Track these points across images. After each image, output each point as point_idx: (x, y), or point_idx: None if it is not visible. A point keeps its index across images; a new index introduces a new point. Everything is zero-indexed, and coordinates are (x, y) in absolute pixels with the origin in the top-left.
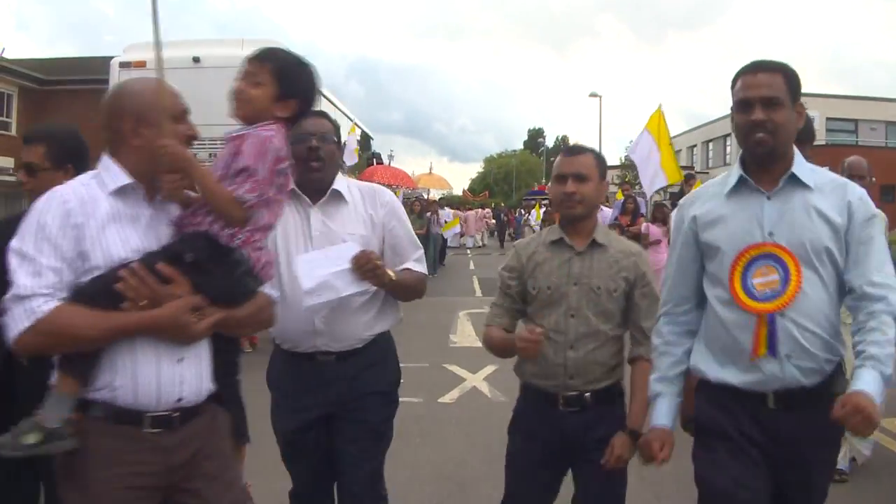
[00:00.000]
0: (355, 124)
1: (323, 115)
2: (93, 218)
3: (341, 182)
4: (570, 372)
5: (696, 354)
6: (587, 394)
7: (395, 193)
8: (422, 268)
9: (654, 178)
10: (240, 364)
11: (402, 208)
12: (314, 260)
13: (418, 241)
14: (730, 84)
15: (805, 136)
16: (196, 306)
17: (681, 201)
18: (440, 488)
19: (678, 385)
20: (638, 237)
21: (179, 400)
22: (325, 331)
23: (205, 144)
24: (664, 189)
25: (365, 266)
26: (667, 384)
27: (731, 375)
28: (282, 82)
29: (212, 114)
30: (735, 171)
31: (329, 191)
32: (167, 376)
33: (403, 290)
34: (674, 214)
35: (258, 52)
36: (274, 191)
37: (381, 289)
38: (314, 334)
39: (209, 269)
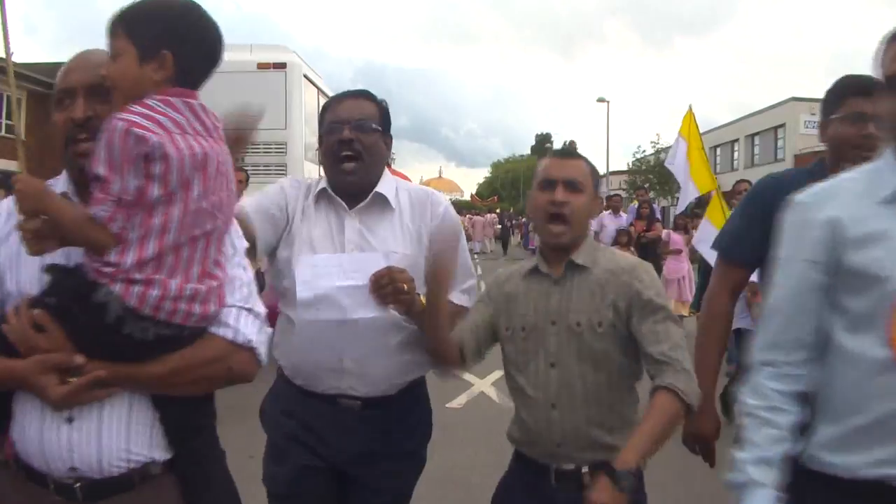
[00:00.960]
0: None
1: (363, 95)
2: (14, 234)
3: (388, 183)
4: (555, 438)
5: (821, 435)
6: (584, 468)
7: None
8: (468, 301)
9: (685, 189)
10: (207, 427)
11: (458, 220)
12: (322, 266)
13: (473, 268)
14: (737, 89)
15: None
16: (61, 364)
17: (798, 198)
18: (448, 494)
19: (781, 473)
20: (654, 243)
21: (73, 469)
22: (354, 370)
23: None
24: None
25: (385, 286)
26: (765, 470)
27: (888, 467)
28: (136, 35)
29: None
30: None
31: (371, 194)
32: (51, 439)
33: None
34: (788, 217)
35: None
36: (157, 193)
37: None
38: (340, 373)
39: (74, 314)
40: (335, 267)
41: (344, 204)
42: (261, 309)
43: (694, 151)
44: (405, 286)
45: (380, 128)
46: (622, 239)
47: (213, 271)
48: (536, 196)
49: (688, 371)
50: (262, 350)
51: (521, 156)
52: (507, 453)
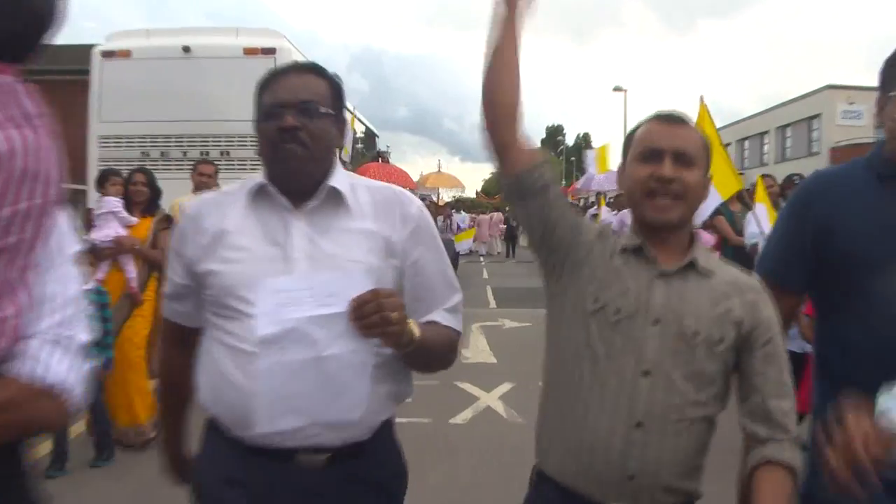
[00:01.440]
0: (356, 117)
1: (310, 69)
2: None
3: (341, 177)
4: (629, 468)
5: None
6: None
7: None
8: (456, 321)
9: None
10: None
11: (434, 227)
12: (288, 291)
13: (456, 282)
14: (767, 77)
15: None
16: None
17: None
18: None
19: None
20: None
21: None
22: (315, 410)
23: (195, 142)
24: None
25: (370, 316)
26: None
27: None
28: None
29: (203, 108)
30: None
31: (322, 189)
32: None
33: (425, 357)
34: None
35: None
36: None
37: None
38: (295, 416)
39: None
40: (305, 291)
41: (287, 202)
42: (82, 336)
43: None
44: (394, 314)
45: (332, 111)
46: None
47: (8, 296)
48: (636, 169)
49: (798, 444)
50: (77, 392)
51: None
52: (515, 473)
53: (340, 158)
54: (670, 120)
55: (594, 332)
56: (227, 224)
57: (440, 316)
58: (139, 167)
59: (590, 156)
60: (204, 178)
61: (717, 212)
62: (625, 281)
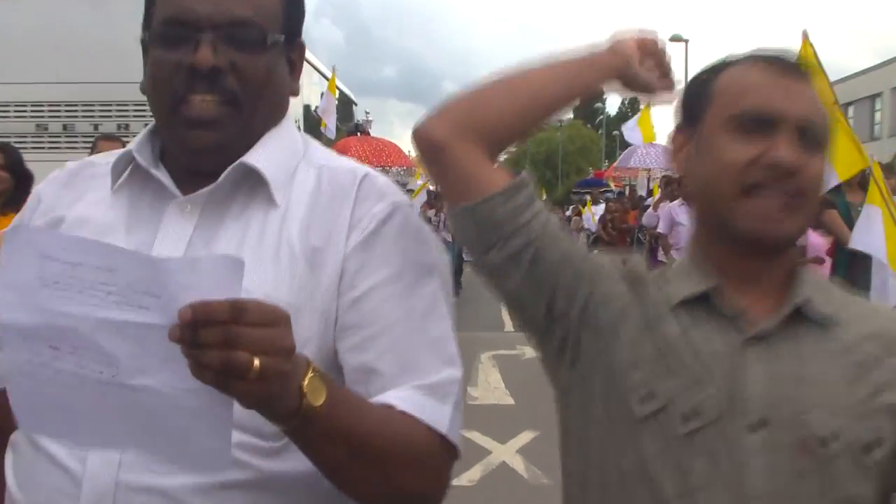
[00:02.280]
0: (333, 82)
1: None
2: None
3: (275, 150)
4: None
5: None
6: None
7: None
8: (437, 412)
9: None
10: None
11: (426, 237)
12: (65, 260)
13: (451, 346)
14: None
15: None
16: None
17: None
18: None
19: None
20: None
21: None
22: None
23: (110, 111)
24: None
25: (208, 346)
26: None
27: None
28: None
29: (121, 65)
30: None
31: (234, 169)
32: None
33: (348, 457)
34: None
35: None
36: None
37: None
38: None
39: None
40: (101, 272)
41: (173, 186)
42: None
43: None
44: (254, 361)
45: (281, 35)
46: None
47: None
48: (727, 145)
49: None
50: None
51: (560, 122)
52: None
53: (321, 135)
54: (788, 69)
55: (652, 450)
56: (72, 213)
57: (404, 397)
58: None
59: (630, 124)
60: None
61: (828, 203)
62: (696, 358)
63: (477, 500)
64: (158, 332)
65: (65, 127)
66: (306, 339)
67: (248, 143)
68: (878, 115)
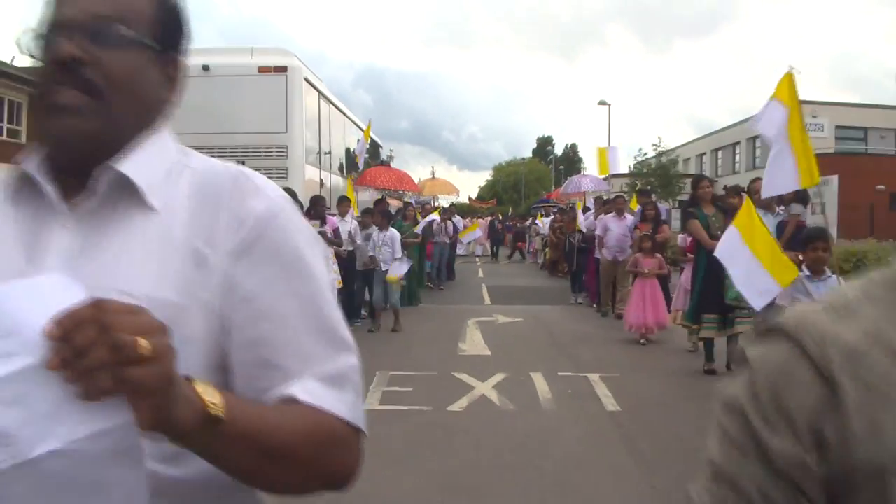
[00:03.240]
0: (368, 131)
1: None
2: None
3: (152, 155)
4: None
5: None
6: None
7: (388, 200)
8: (342, 400)
9: (779, 174)
10: None
11: (307, 233)
12: None
13: (345, 333)
14: (737, 92)
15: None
16: None
17: None
18: (449, 497)
19: None
20: (663, 246)
21: None
22: None
23: (213, 152)
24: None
25: (87, 349)
26: None
27: None
28: None
29: (221, 122)
30: None
31: (104, 175)
32: None
33: (259, 459)
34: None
35: None
36: None
37: (178, 441)
38: None
39: None
40: None
41: (55, 195)
42: None
43: (795, 128)
44: (137, 347)
45: (150, 41)
46: (645, 244)
47: None
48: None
49: None
50: None
51: (523, 159)
52: (508, 455)
53: (357, 167)
54: None
55: None
56: None
57: (306, 388)
58: None
59: (607, 153)
60: None
61: (692, 214)
62: None
63: (464, 420)
64: (36, 375)
65: None
66: (194, 338)
67: (116, 141)
68: (737, 157)
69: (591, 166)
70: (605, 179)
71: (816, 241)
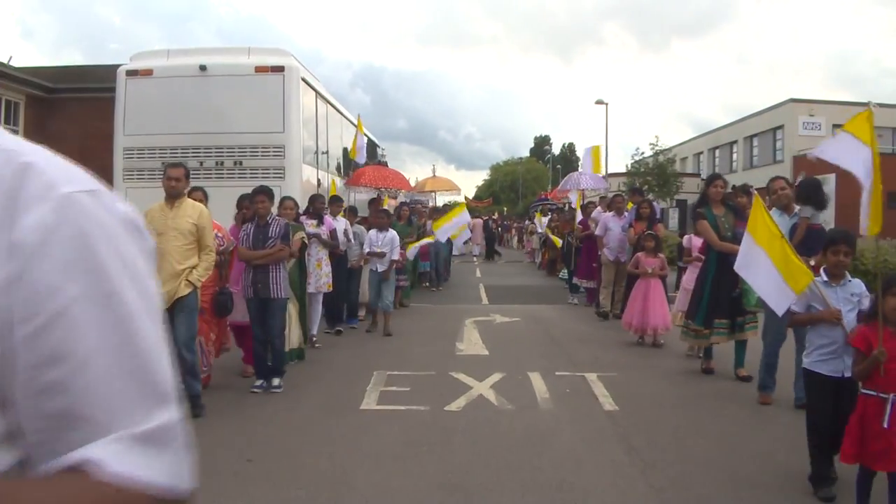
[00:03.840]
0: (360, 124)
1: None
2: None
3: None
4: None
5: None
6: None
7: (384, 199)
8: (159, 470)
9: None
10: None
11: (112, 228)
12: None
13: (162, 375)
14: (735, 91)
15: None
16: None
17: None
18: (447, 496)
19: None
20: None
21: None
22: None
23: (210, 152)
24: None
25: None
26: None
27: None
28: None
29: (218, 122)
30: None
31: None
32: None
33: None
34: None
35: None
36: None
37: None
38: None
39: None
40: None
41: None
42: None
43: (876, 171)
44: None
45: None
46: (648, 244)
47: None
48: None
49: None
50: None
51: (520, 158)
52: (505, 455)
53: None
54: None
55: None
56: None
57: (108, 451)
58: None
59: (586, 153)
60: (172, 182)
61: (701, 215)
62: None
63: (462, 420)
64: None
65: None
66: None
67: None
68: (735, 156)
69: (589, 160)
70: (603, 178)
71: (839, 243)
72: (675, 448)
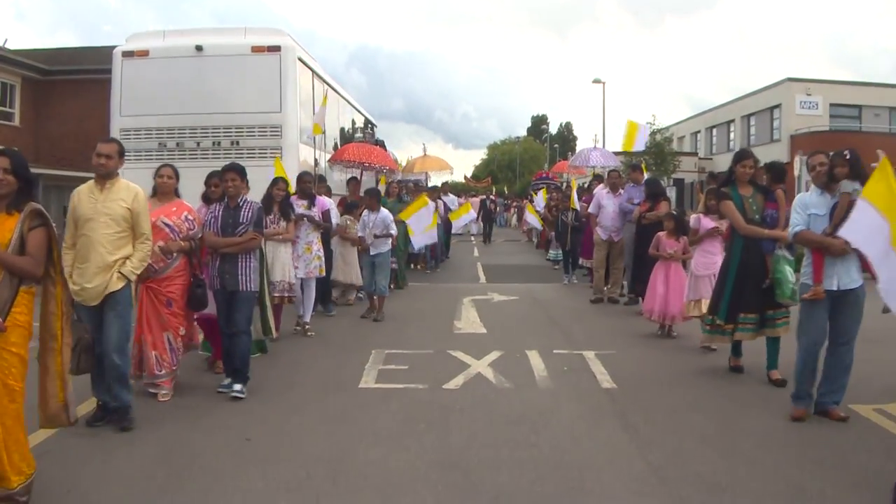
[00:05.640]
0: (328, 94)
1: None
2: None
3: None
4: None
5: None
6: None
7: (381, 179)
8: None
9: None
10: None
11: None
12: None
13: None
14: (732, 70)
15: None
16: None
17: None
18: (445, 475)
19: None
20: (657, 225)
21: None
22: None
23: (207, 133)
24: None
25: None
26: None
27: None
28: None
29: (214, 102)
30: None
31: None
32: None
33: None
34: None
35: None
36: None
37: None
38: None
39: None
40: None
41: None
42: None
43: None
44: None
45: None
46: (668, 224)
47: None
48: None
49: None
50: None
51: (517, 137)
52: (503, 433)
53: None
54: None
55: None
56: None
57: None
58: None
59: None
60: (102, 159)
61: (725, 195)
62: None
63: (460, 398)
64: None
65: (177, 144)
66: None
67: None
68: (732, 134)
69: (585, 140)
70: (616, 154)
71: None
72: (673, 425)
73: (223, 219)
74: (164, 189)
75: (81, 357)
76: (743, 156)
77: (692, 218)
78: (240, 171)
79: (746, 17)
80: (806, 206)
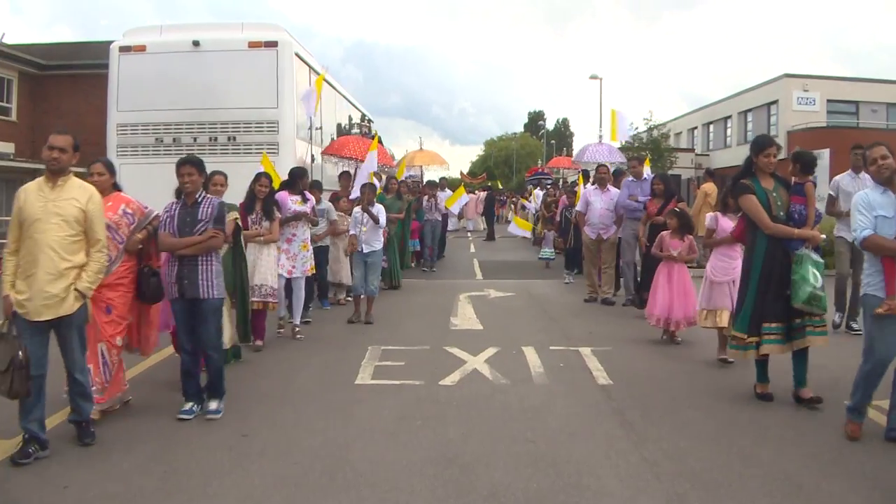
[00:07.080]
0: (323, 77)
1: None
2: None
3: None
4: None
5: None
6: None
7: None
8: None
9: None
10: None
11: None
12: None
13: None
14: (729, 65)
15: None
16: None
17: None
18: (441, 470)
19: None
20: (661, 227)
21: None
22: None
23: (204, 128)
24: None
25: None
26: None
27: None
28: None
29: (211, 97)
30: None
31: None
32: None
33: None
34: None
35: None
36: None
37: None
38: None
39: None
40: None
41: None
42: None
43: None
44: None
45: None
46: (672, 223)
47: None
48: None
49: None
50: None
51: (514, 133)
52: (500, 429)
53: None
54: None
55: None
56: None
57: None
58: None
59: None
60: (54, 153)
61: (746, 188)
62: None
63: (456, 394)
64: None
65: (174, 140)
66: None
67: None
68: (729, 131)
69: (582, 137)
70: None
71: None
72: (670, 422)
73: (180, 218)
74: (100, 188)
75: (14, 379)
76: (766, 143)
77: (708, 217)
78: (197, 165)
79: (743, 13)
80: (871, 207)
